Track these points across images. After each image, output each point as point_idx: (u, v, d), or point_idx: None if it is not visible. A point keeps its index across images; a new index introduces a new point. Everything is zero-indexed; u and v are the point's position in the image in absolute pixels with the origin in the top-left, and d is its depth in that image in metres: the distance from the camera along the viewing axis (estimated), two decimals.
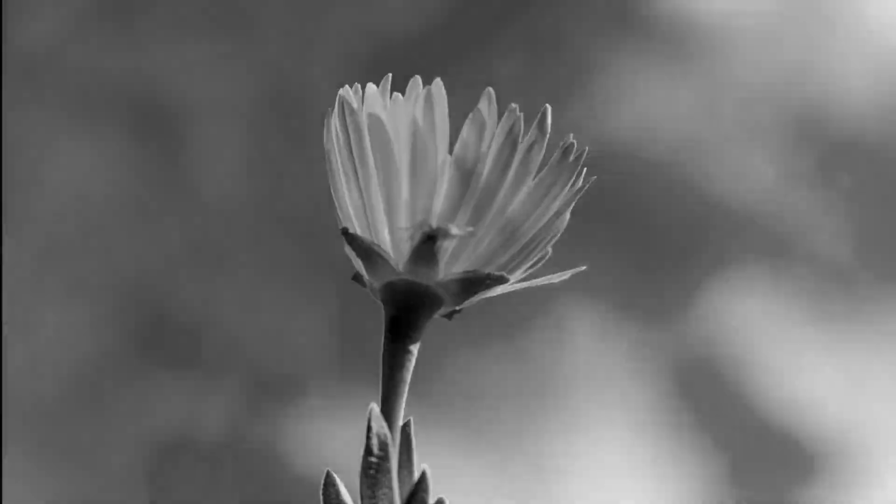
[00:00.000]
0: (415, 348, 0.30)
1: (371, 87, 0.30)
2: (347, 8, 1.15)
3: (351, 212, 0.31)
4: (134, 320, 1.18)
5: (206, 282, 1.16)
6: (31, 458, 1.10)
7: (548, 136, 0.30)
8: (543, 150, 0.30)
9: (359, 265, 0.31)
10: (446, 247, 0.30)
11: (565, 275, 0.33)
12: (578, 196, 0.32)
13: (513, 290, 0.33)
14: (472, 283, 0.30)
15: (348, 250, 0.31)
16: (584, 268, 0.32)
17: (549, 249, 0.32)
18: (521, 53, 1.13)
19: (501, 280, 0.30)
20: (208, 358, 1.16)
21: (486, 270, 0.30)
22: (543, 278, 0.33)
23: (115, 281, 1.17)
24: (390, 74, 0.31)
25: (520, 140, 0.30)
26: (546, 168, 0.31)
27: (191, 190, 1.16)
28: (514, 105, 0.30)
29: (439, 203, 0.29)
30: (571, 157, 0.31)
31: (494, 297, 0.34)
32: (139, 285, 1.17)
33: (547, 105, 0.30)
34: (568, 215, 0.32)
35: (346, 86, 0.31)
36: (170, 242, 1.16)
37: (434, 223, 0.29)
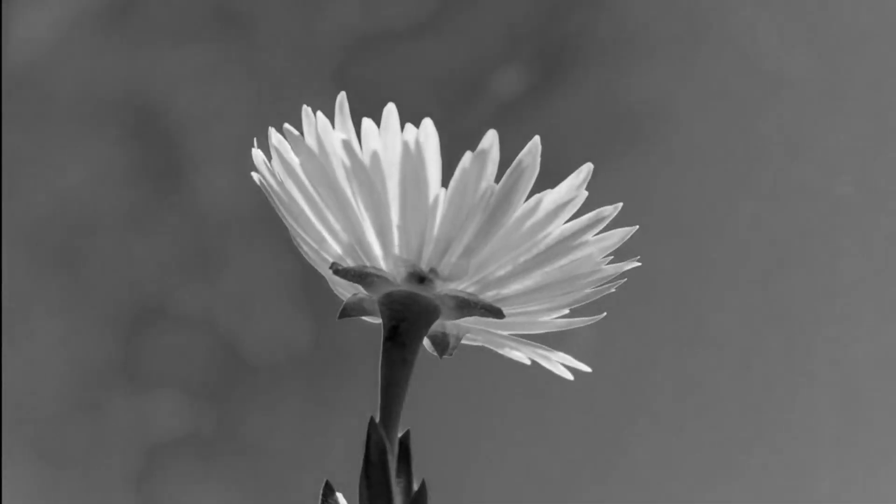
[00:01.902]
0: (413, 358, 0.30)
1: (344, 130, 0.29)
2: (344, 16, 1.16)
3: (329, 240, 0.30)
4: (132, 329, 1.17)
5: (205, 290, 1.16)
6: (29, 465, 1.10)
7: (584, 197, 0.29)
8: (575, 210, 0.29)
9: (355, 288, 0.31)
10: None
11: (568, 369, 0.32)
12: (616, 284, 0.31)
13: (511, 355, 0.33)
14: (466, 304, 0.30)
15: (336, 281, 0.31)
16: (588, 370, 0.32)
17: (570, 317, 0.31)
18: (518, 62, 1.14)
19: (494, 311, 0.29)
20: (203, 364, 1.16)
21: (483, 296, 0.30)
22: (548, 359, 0.32)
23: (113, 289, 1.17)
24: (344, 93, 0.29)
25: (531, 176, 0.28)
26: (572, 226, 0.29)
27: (189, 198, 1.16)
28: (536, 138, 0.28)
29: (434, 231, 0.29)
30: (610, 234, 0.30)
31: (494, 353, 0.33)
32: (136, 294, 1.17)
33: (589, 164, 0.29)
34: (602, 314, 0.31)
35: (286, 125, 0.29)
36: (168, 251, 1.16)
37: (425, 264, 0.29)
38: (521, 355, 0.33)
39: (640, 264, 0.30)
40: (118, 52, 1.17)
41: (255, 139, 0.31)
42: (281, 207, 0.31)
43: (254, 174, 0.31)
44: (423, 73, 1.11)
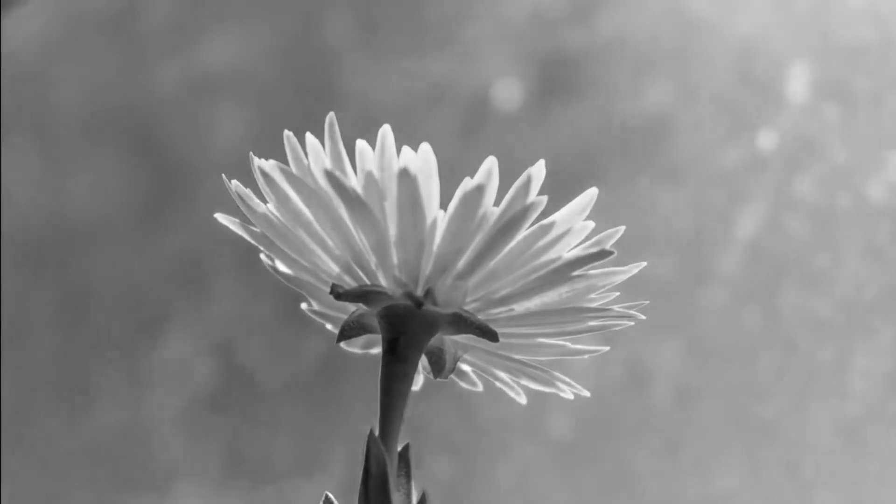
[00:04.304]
0: (412, 371, 0.30)
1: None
2: (342, 28, 1.16)
3: (325, 259, 0.30)
4: (130, 344, 1.18)
5: (200, 303, 1.16)
6: (26, 481, 1.10)
7: (589, 228, 0.29)
8: (577, 240, 0.29)
9: (354, 306, 0.31)
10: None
11: (568, 391, 0.32)
12: (620, 324, 0.30)
13: (510, 392, 0.33)
14: (463, 321, 0.30)
15: (331, 304, 0.31)
16: (587, 394, 0.32)
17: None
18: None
19: (489, 334, 0.29)
20: (203, 376, 1.16)
21: (483, 314, 0.30)
22: (549, 383, 0.32)
23: (112, 304, 1.17)
24: (332, 113, 0.29)
25: (530, 207, 0.28)
26: (571, 256, 0.29)
27: (187, 211, 1.16)
28: (540, 162, 0.28)
29: (431, 255, 0.29)
30: (616, 271, 0.29)
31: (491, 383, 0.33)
32: (136, 308, 1.17)
33: (594, 188, 0.28)
34: (605, 347, 0.31)
35: (274, 161, 0.29)
36: (168, 265, 1.16)
37: (422, 288, 0.29)
38: (520, 393, 0.33)
39: (644, 317, 0.30)
40: (119, 59, 1.17)
41: (223, 175, 0.30)
42: (269, 234, 0.30)
43: (217, 215, 0.31)
44: (422, 86, 1.11)
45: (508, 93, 1.13)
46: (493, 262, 0.28)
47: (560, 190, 0.29)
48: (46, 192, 1.18)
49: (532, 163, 0.28)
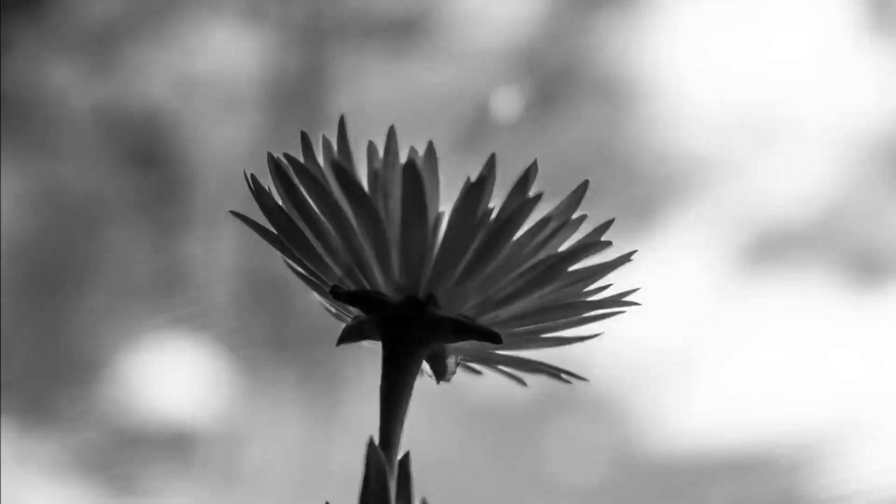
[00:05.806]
0: (412, 380, 0.30)
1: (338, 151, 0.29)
2: (346, 37, 1.16)
3: (329, 260, 0.30)
4: (127, 346, 1.18)
5: (199, 305, 1.16)
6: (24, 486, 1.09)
7: (581, 221, 0.29)
8: (572, 232, 0.29)
9: (353, 311, 0.30)
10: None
11: (569, 379, 0.32)
12: (614, 314, 0.30)
13: (507, 373, 0.32)
14: (464, 327, 0.29)
15: (329, 305, 0.31)
16: (588, 380, 0.32)
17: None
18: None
19: (492, 336, 0.29)
20: (201, 380, 1.16)
21: (482, 318, 0.30)
22: (551, 374, 0.32)
23: (109, 307, 1.17)
24: (344, 114, 0.29)
25: (527, 203, 0.28)
26: (567, 251, 0.29)
27: (182, 223, 1.16)
28: (535, 159, 0.28)
29: (433, 255, 0.29)
30: (609, 263, 0.29)
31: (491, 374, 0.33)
32: (133, 311, 1.17)
33: (586, 180, 0.29)
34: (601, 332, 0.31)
35: (286, 152, 0.29)
36: (163, 265, 1.16)
37: (423, 290, 0.29)
38: (522, 380, 0.33)
39: (640, 304, 0.30)
40: (118, 75, 1.18)
41: (244, 171, 0.31)
42: (280, 230, 0.30)
43: (231, 211, 0.31)
44: (425, 94, 1.11)
45: (508, 101, 1.13)
46: (494, 263, 0.28)
47: (557, 195, 0.29)
48: (46, 192, 1.18)
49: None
